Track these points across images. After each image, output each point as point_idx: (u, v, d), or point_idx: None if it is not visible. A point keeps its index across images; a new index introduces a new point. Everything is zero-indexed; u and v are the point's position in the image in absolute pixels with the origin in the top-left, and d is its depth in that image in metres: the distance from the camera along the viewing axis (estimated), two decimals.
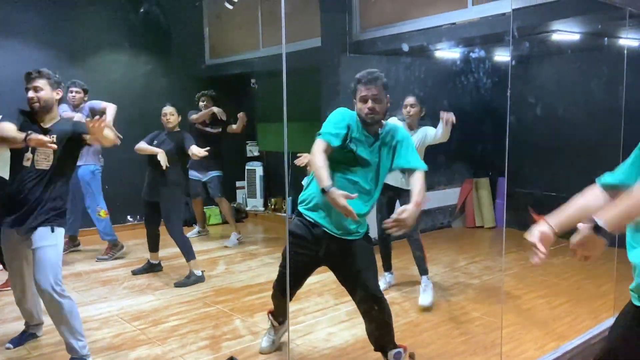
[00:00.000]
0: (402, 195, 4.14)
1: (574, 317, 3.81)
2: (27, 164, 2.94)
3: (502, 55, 6.11)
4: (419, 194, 2.63)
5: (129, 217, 6.82)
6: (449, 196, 6.88)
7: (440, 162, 6.65)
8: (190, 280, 4.59)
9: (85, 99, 5.28)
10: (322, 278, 4.56)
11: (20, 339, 3.36)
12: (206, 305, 4.09)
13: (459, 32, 4.92)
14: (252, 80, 7.72)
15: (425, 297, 4.04)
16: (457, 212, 7.00)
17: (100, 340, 3.43)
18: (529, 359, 3.13)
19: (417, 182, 2.69)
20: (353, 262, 2.83)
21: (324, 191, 2.47)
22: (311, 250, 2.82)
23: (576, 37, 5.01)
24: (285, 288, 2.88)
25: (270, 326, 3.29)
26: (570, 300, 4.17)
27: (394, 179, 4.12)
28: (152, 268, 4.96)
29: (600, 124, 5.64)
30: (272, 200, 7.71)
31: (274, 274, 4.86)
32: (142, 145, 4.74)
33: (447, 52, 6.00)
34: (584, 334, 3.29)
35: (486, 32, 4.63)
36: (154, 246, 4.92)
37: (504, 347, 3.24)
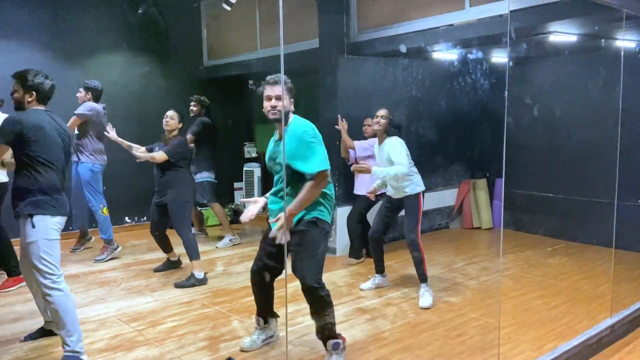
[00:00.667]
0: (402, 204, 4.24)
1: (572, 317, 3.82)
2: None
3: (499, 57, 6.12)
4: (296, 202, 2.90)
5: (126, 218, 6.82)
6: (446, 197, 6.90)
7: (438, 163, 6.67)
8: (190, 282, 4.60)
9: (88, 97, 5.36)
10: None
11: (34, 335, 3.45)
12: (204, 306, 4.09)
13: (456, 34, 4.92)
14: (250, 82, 7.73)
15: (424, 300, 4.10)
16: (455, 213, 7.01)
17: (97, 341, 3.42)
18: None
19: (302, 189, 2.92)
20: (289, 246, 2.96)
21: None
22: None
23: (573, 38, 5.02)
24: (256, 277, 3.20)
25: (255, 326, 3.37)
26: (568, 301, 4.17)
27: (395, 192, 4.23)
28: (172, 265, 5.05)
29: (598, 125, 5.66)
30: None
31: None
32: (117, 139, 5.01)
33: (445, 54, 6.01)
34: (582, 334, 3.30)
35: (484, 34, 4.64)
36: (167, 248, 5.00)
37: (501, 347, 3.25)
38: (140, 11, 6.80)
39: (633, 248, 5.35)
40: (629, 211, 5.24)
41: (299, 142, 2.93)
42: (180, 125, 4.85)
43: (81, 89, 5.38)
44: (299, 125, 3.01)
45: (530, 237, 6.36)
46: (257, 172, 7.72)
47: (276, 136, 3.16)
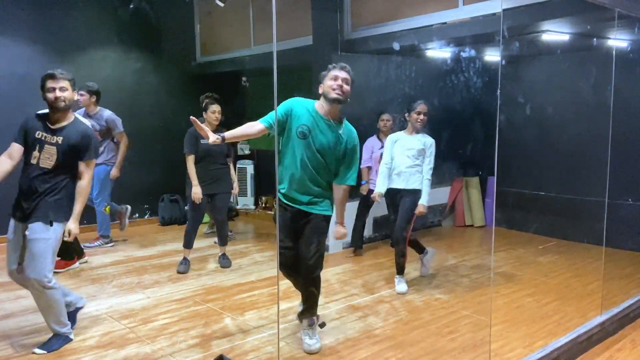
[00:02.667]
0: (404, 194, 4.41)
1: (562, 315, 3.85)
2: (34, 161, 3.10)
3: (492, 55, 6.14)
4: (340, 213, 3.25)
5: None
6: (439, 195, 6.90)
7: None
8: (229, 261, 5.16)
9: (92, 99, 5.42)
10: None
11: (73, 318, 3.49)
12: (196, 304, 4.08)
13: (449, 32, 4.94)
14: (244, 78, 7.70)
15: (401, 287, 4.39)
16: (447, 211, 7.03)
17: (88, 338, 3.40)
18: (518, 357, 3.15)
19: (340, 198, 3.21)
20: (303, 230, 3.20)
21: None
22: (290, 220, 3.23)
23: (566, 37, 5.05)
24: (285, 270, 3.31)
25: None
26: (559, 298, 4.20)
27: (400, 183, 4.41)
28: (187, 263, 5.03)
29: (589, 123, 5.69)
30: (263, 198, 7.70)
31: (264, 272, 4.91)
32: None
33: (438, 52, 6.01)
34: (572, 332, 3.33)
35: (477, 32, 4.65)
36: (192, 243, 5.04)
37: (492, 344, 3.26)
38: (131, 6, 6.75)
39: (623, 246, 5.39)
40: (620, 210, 5.28)
41: (352, 149, 3.08)
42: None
43: (83, 92, 5.24)
44: (352, 132, 3.12)
45: (522, 235, 6.40)
46: (250, 169, 7.71)
47: (317, 111, 3.10)
